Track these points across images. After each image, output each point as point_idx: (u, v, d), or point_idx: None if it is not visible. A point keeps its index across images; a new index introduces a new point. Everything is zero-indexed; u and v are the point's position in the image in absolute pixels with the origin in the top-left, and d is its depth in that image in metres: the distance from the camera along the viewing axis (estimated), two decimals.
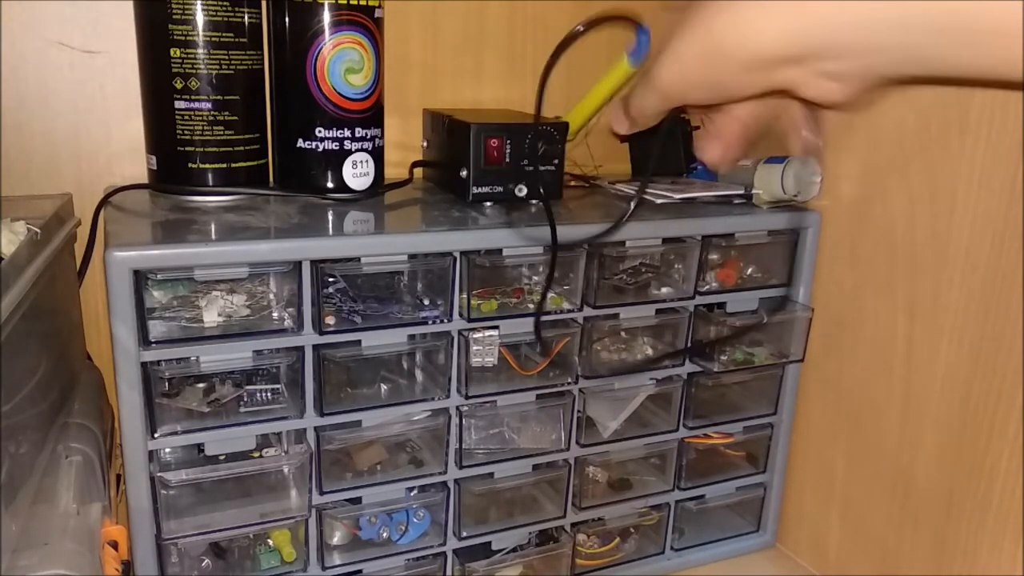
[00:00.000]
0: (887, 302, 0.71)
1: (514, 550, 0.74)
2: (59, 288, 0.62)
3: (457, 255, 0.63)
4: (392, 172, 0.77)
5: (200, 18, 0.64)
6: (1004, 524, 0.62)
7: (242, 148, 0.68)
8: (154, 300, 0.59)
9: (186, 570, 0.62)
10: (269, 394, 0.63)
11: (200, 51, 0.64)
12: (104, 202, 0.67)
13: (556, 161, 0.72)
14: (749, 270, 0.78)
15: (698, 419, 0.78)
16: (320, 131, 0.68)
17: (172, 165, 0.67)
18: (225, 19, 0.65)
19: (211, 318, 0.59)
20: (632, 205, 0.58)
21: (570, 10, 0.86)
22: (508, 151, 0.70)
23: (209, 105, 0.66)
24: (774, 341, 0.79)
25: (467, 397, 0.67)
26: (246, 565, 0.64)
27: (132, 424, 0.56)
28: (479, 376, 0.67)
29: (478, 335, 0.65)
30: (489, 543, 0.72)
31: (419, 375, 0.69)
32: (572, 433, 0.72)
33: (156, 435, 0.57)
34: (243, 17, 0.66)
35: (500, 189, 0.71)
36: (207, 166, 0.67)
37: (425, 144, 0.80)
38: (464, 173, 0.70)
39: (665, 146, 0.81)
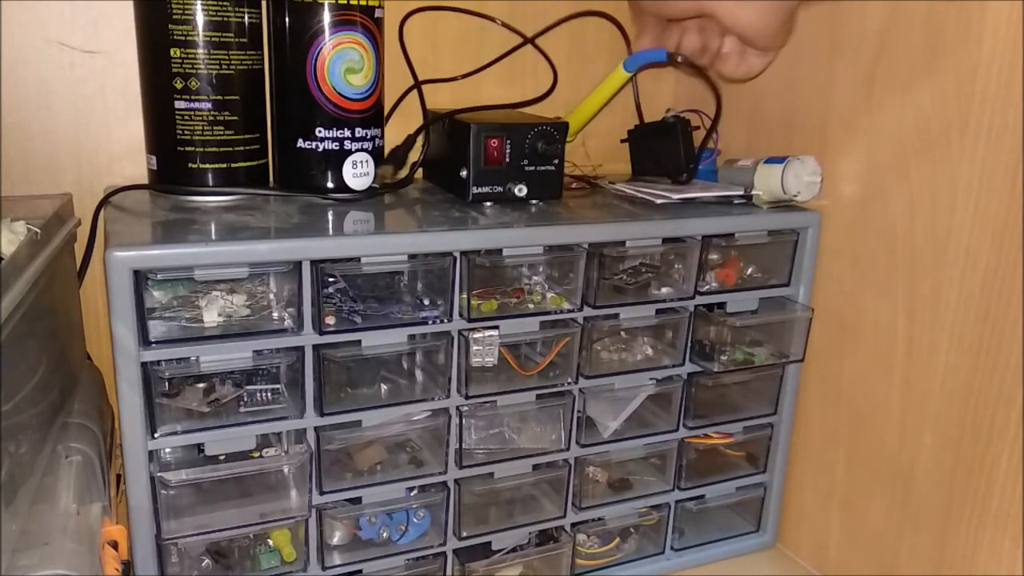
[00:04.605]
0: (887, 302, 0.71)
1: (514, 550, 0.74)
2: (59, 288, 0.62)
3: (457, 255, 0.63)
4: None
5: (200, 18, 0.64)
6: (1004, 524, 0.62)
7: (242, 148, 0.68)
8: (154, 300, 0.59)
9: (186, 570, 0.62)
10: (269, 394, 0.63)
11: (200, 51, 0.64)
12: (104, 202, 0.67)
13: (556, 161, 0.72)
14: (749, 270, 0.78)
15: (698, 419, 0.78)
16: (320, 131, 0.68)
17: (172, 165, 0.67)
18: (225, 19, 0.65)
19: (211, 318, 0.59)
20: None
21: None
22: (508, 151, 0.70)
23: (209, 105, 0.66)
24: (774, 341, 0.79)
25: (467, 397, 0.67)
26: (246, 565, 0.64)
27: (132, 424, 0.56)
28: (479, 376, 0.67)
29: (478, 335, 0.65)
30: (489, 543, 0.72)
31: (419, 375, 0.69)
32: (572, 433, 0.72)
33: (156, 435, 0.57)
34: (243, 17, 0.66)
35: (500, 189, 0.71)
36: (207, 166, 0.67)
37: (425, 144, 0.80)
38: (464, 173, 0.70)
39: (665, 146, 0.81)
